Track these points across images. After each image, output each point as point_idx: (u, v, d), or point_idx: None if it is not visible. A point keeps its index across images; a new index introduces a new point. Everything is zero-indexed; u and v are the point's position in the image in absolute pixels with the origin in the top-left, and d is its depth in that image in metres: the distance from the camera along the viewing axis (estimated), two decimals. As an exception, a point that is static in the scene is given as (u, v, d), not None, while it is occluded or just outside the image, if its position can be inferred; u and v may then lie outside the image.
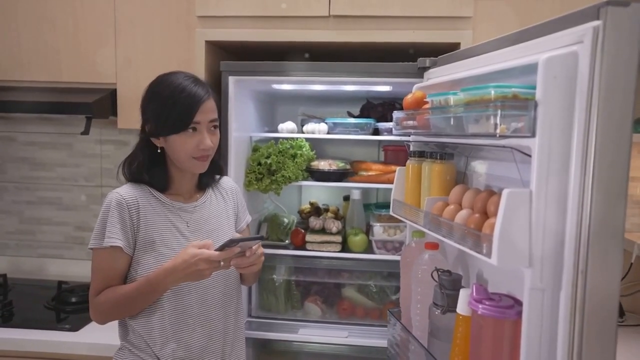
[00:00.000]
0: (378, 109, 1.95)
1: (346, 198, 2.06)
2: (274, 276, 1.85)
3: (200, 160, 1.20)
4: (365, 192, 1.99)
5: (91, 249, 1.18)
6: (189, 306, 1.20)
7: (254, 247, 1.15)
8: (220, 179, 1.38)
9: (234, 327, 1.30)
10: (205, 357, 1.22)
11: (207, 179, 1.32)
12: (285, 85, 1.78)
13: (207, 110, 1.17)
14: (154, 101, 1.18)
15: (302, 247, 1.82)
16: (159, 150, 1.21)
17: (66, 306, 1.88)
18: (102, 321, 1.22)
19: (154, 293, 1.14)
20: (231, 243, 1.09)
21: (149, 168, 1.22)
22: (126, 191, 1.20)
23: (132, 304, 1.16)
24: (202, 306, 1.21)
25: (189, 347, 1.19)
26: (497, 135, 0.88)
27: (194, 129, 1.16)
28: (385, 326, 1.57)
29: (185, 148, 1.16)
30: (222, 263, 1.11)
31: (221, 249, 1.10)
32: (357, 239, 1.80)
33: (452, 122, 1.05)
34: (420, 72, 1.49)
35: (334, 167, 1.80)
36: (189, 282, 1.15)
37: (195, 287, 1.20)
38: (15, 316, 1.80)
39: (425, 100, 1.26)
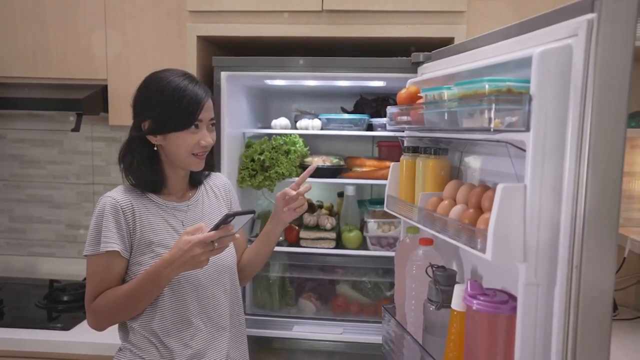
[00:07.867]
0: (372, 104, 1.95)
1: (340, 194, 2.05)
2: (268, 273, 1.85)
3: (199, 158, 1.21)
4: (359, 188, 1.99)
5: (86, 256, 1.16)
6: (189, 303, 1.19)
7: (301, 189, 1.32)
8: (209, 175, 1.37)
9: (235, 323, 1.30)
10: (210, 354, 1.21)
11: (198, 175, 1.31)
12: (278, 81, 1.76)
13: (208, 109, 1.20)
14: (156, 99, 1.16)
15: (296, 243, 1.81)
16: (155, 149, 1.20)
17: (58, 305, 1.86)
18: (102, 326, 1.19)
19: (154, 287, 1.12)
20: (227, 218, 1.06)
21: (147, 168, 1.20)
22: (119, 195, 1.18)
23: (133, 302, 1.14)
24: (202, 303, 1.21)
25: (192, 345, 1.18)
26: (492, 130, 0.88)
27: (196, 127, 1.18)
28: (380, 322, 1.57)
29: (187, 144, 1.18)
30: (216, 244, 1.08)
31: (216, 227, 1.07)
32: (352, 236, 1.80)
33: (446, 117, 1.04)
34: (414, 67, 1.49)
35: (327, 163, 1.79)
36: (187, 271, 1.12)
37: (191, 283, 1.19)
38: (6, 315, 1.79)
39: (419, 95, 1.25)
